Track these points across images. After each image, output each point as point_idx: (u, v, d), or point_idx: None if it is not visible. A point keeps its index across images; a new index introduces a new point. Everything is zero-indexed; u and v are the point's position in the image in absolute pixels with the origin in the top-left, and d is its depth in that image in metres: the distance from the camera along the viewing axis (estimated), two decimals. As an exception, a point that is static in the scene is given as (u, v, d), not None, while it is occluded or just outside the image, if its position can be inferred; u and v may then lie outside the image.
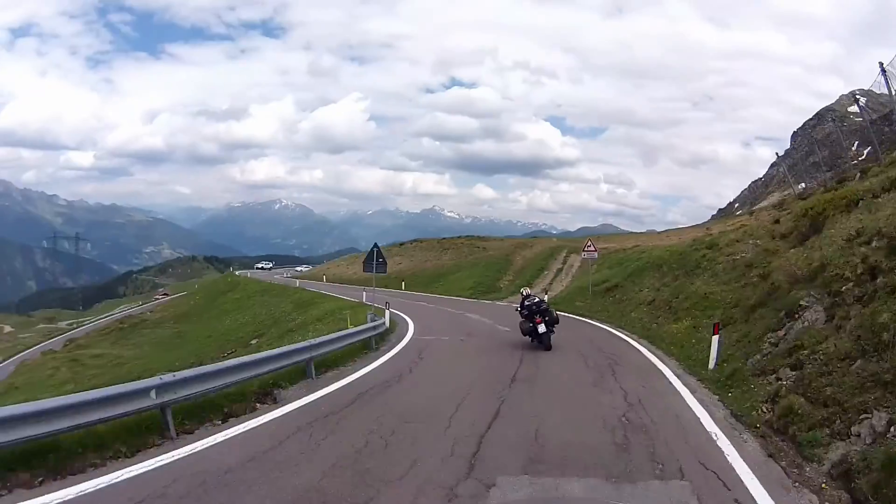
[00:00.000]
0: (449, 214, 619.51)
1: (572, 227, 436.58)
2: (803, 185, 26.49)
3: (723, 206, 65.27)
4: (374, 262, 18.85)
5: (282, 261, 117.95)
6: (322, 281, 54.73)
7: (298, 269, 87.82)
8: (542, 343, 13.93)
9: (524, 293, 15.54)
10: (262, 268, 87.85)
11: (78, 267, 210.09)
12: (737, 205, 58.90)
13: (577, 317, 22.76)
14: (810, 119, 54.59)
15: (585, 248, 29.45)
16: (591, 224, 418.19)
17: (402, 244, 68.07)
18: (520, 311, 14.85)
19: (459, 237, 68.00)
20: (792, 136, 57.76)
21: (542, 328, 13.85)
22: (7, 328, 78.97)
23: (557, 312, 15.09)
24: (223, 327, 38.75)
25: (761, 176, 61.18)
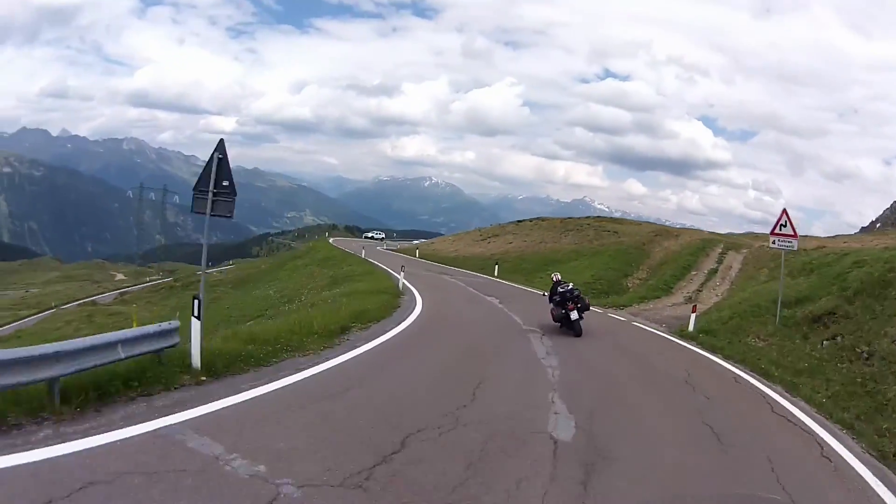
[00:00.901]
0: (599, 206, 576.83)
1: (720, 232, 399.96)
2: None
3: (865, 225, 55.32)
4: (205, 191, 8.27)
5: (427, 237, 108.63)
6: (413, 256, 45.21)
7: (415, 242, 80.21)
8: (573, 330, 13.71)
9: (555, 278, 15.31)
10: (371, 237, 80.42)
11: (211, 223, 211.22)
12: (878, 224, 51.63)
13: (762, 383, 10.81)
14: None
15: (776, 232, 15.92)
16: (736, 230, 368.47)
17: (519, 221, 56.28)
18: (550, 297, 14.63)
19: (587, 217, 54.06)
20: None
21: (574, 315, 13.69)
22: (119, 275, 78.20)
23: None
24: (259, 295, 32.57)
25: None
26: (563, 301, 13.87)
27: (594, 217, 54.68)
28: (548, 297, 14.74)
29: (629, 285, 28.93)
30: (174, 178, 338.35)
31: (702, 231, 47.50)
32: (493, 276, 32.94)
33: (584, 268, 32.59)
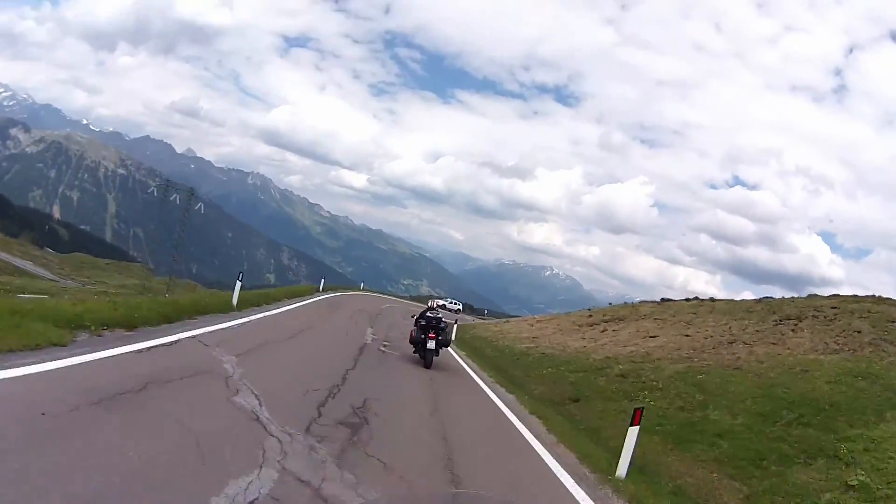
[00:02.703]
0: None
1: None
2: None
3: None
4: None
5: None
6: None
7: (492, 320, 55.53)
8: (424, 359, 13.30)
9: (433, 304, 15.67)
10: (442, 306, 56.25)
11: (324, 274, 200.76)
12: None
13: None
14: None
15: None
16: None
17: (663, 300, 28.18)
18: (416, 320, 13.97)
19: (795, 298, 23.71)
20: None
21: (431, 344, 13.24)
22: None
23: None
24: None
25: None
26: (426, 327, 13.37)
27: (828, 296, 24.13)
28: (414, 319, 14.10)
29: None
30: (295, 222, 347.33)
31: None
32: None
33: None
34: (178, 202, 61.85)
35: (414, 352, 13.63)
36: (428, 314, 13.71)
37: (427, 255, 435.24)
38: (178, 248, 60.11)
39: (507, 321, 40.15)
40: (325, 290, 31.52)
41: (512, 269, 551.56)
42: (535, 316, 39.70)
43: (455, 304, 65.32)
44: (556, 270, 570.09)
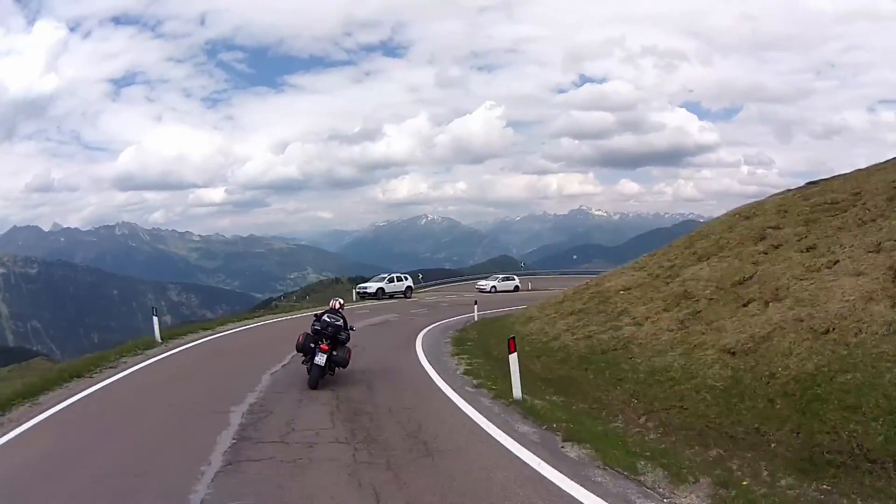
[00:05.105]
0: (597, 213, 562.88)
1: (719, 213, 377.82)
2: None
3: None
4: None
5: (435, 276, 74.73)
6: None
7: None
8: (308, 373, 10.03)
9: (334, 304, 11.14)
10: (483, 289, 46.03)
11: (216, 298, 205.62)
12: None
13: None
14: None
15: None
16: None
17: (709, 226, 20.64)
18: (313, 325, 10.47)
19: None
20: None
21: (319, 359, 9.95)
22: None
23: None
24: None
25: None
26: (318, 333, 10.21)
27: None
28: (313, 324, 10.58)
29: None
30: (171, 256, 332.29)
31: None
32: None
33: None
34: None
35: (303, 362, 10.61)
36: (326, 317, 10.56)
37: (304, 243, 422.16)
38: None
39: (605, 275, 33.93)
40: (176, 336, 17.27)
41: (388, 229, 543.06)
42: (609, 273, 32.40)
43: (495, 280, 48.50)
44: (430, 216, 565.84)
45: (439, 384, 10.43)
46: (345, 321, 10.63)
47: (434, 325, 21.31)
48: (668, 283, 13.17)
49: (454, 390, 9.79)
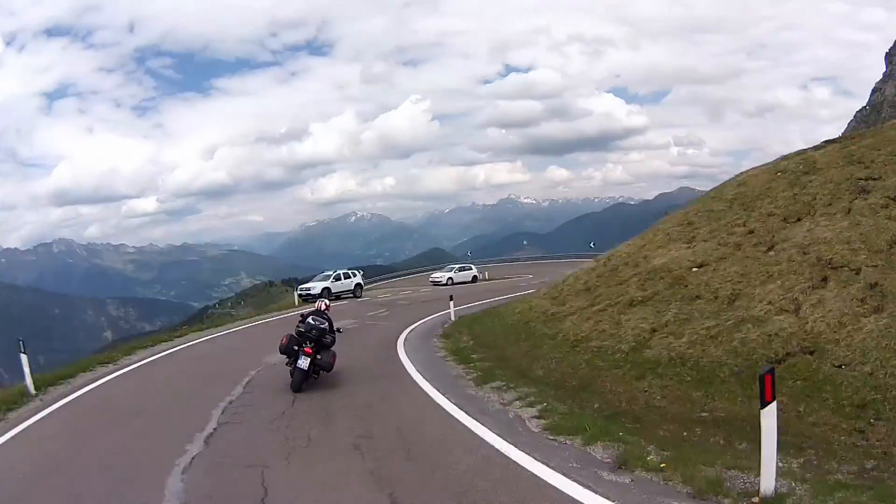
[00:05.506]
0: (526, 201, 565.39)
1: (650, 196, 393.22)
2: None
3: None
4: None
5: (369, 273, 70.55)
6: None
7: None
8: (291, 377, 9.68)
9: (320, 306, 10.92)
10: (438, 282, 41.95)
11: (154, 310, 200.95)
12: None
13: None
14: (903, 38, 41.94)
15: None
16: (667, 189, 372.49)
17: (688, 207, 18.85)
18: (297, 326, 10.22)
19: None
20: (886, 56, 48.10)
21: (302, 362, 9.56)
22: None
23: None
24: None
25: (865, 105, 49.30)
26: (301, 337, 9.88)
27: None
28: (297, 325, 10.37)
29: None
30: (108, 271, 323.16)
31: None
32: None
33: None
34: None
35: (287, 364, 10.03)
36: (310, 319, 10.20)
37: (236, 248, 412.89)
38: None
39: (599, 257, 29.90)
40: (65, 379, 12.56)
41: (319, 229, 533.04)
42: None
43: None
44: (360, 213, 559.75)
45: (543, 476, 5.40)
46: (330, 323, 10.30)
47: (407, 330, 16.95)
48: (771, 253, 10.09)
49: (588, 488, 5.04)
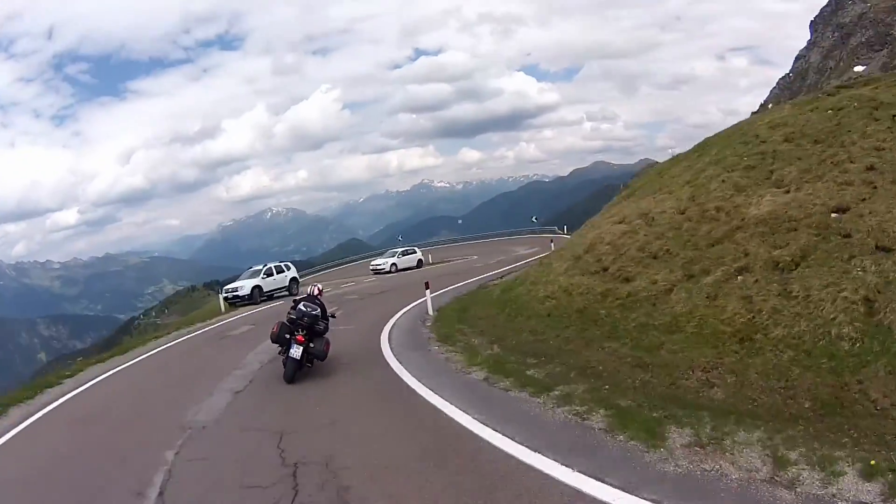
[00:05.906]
0: (439, 185, 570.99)
1: (564, 172, 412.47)
2: (861, 67, 26.19)
3: (755, 111, 38.63)
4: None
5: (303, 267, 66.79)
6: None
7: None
8: (284, 367, 9.35)
9: (314, 289, 10.51)
10: (380, 270, 38.22)
11: (84, 326, 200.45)
12: (770, 105, 34.93)
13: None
14: (826, 6, 49.17)
15: None
16: (582, 164, 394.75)
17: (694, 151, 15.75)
18: (288, 314, 9.75)
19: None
20: (811, 25, 51.83)
21: (294, 351, 9.18)
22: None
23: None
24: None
25: (789, 72, 53.46)
26: (293, 324, 9.45)
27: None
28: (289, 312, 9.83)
29: None
30: (36, 289, 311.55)
31: None
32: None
33: None
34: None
35: (279, 353, 9.77)
36: (302, 305, 9.72)
37: (157, 254, 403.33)
38: None
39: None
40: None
41: (235, 228, 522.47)
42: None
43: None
44: (275, 209, 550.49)
45: None
46: (323, 309, 9.89)
47: (378, 338, 12.31)
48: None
49: None
